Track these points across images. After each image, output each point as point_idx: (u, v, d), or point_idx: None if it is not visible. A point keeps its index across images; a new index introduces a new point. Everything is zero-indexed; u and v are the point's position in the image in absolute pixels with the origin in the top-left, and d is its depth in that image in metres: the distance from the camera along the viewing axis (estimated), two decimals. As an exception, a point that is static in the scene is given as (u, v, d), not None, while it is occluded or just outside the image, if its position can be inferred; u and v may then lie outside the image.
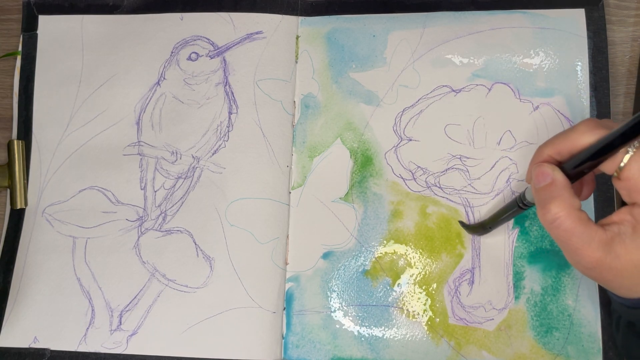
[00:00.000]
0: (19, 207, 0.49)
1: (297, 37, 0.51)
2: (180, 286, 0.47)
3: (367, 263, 0.47)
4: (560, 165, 0.35)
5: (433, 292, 0.46)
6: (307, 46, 0.51)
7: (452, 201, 0.47)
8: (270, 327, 0.46)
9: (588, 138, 0.34)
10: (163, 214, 0.48)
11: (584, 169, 0.34)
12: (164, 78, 0.51)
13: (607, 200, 0.45)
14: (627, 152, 0.32)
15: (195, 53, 0.51)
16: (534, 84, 0.48)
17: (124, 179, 0.49)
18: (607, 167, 0.33)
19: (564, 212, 0.33)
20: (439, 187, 0.47)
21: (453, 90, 0.48)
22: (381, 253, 0.47)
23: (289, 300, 0.47)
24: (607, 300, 0.44)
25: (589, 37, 0.48)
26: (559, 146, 0.35)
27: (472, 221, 0.46)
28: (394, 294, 0.46)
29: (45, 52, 0.52)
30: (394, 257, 0.47)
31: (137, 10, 0.52)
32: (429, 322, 0.45)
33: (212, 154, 0.49)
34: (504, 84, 0.48)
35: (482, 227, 0.44)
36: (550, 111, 0.47)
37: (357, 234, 0.47)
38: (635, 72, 0.48)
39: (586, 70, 0.47)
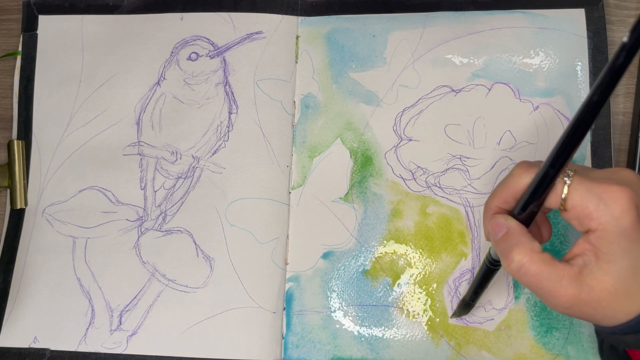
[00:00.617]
0: (19, 207, 0.49)
1: (297, 37, 0.51)
2: (180, 286, 0.47)
3: (367, 263, 0.47)
4: (511, 213, 0.35)
5: (433, 292, 0.46)
6: (307, 46, 0.51)
7: (452, 201, 0.47)
8: (270, 327, 0.46)
9: (525, 179, 0.34)
10: (163, 214, 0.48)
11: (531, 209, 0.34)
12: (164, 78, 0.51)
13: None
14: (565, 182, 0.32)
15: (195, 53, 0.51)
16: (534, 84, 0.48)
17: (124, 179, 0.49)
18: (552, 202, 0.33)
19: (527, 258, 0.33)
20: (439, 187, 0.47)
21: (453, 90, 0.48)
22: (381, 253, 0.47)
23: (289, 300, 0.47)
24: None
25: (589, 37, 0.48)
26: (503, 195, 0.35)
27: (471, 222, 0.46)
28: (394, 294, 0.46)
29: (45, 52, 0.52)
30: (394, 257, 0.47)
31: (137, 10, 0.52)
32: (429, 322, 0.45)
33: (212, 154, 0.49)
34: (504, 84, 0.48)
35: (465, 305, 0.43)
36: (550, 111, 0.47)
37: (357, 234, 0.47)
38: (635, 72, 0.48)
39: (586, 70, 0.47)
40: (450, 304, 0.45)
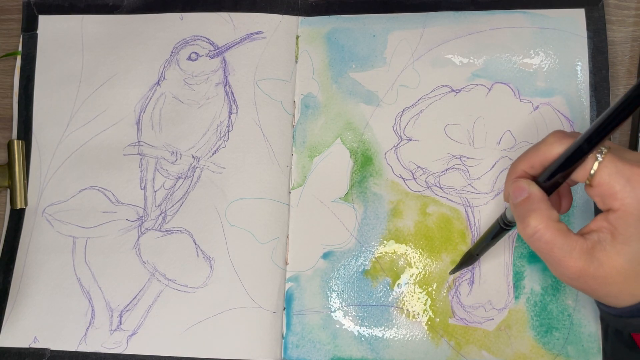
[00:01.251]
0: (19, 207, 0.49)
1: (297, 37, 0.51)
2: (180, 286, 0.47)
3: (367, 263, 0.47)
4: (535, 179, 0.35)
5: (433, 292, 0.46)
6: (307, 46, 0.51)
7: (452, 201, 0.47)
8: (270, 327, 0.46)
9: (557, 149, 0.34)
10: (163, 214, 0.48)
11: (557, 180, 0.34)
12: (164, 78, 0.51)
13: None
14: (596, 158, 0.32)
15: (195, 53, 0.51)
16: (534, 84, 0.48)
17: (124, 179, 0.49)
18: (579, 175, 0.33)
19: (543, 225, 0.33)
20: (439, 187, 0.47)
21: (453, 90, 0.48)
22: (381, 253, 0.47)
23: (289, 300, 0.47)
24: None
25: (589, 37, 0.48)
26: (531, 160, 0.35)
27: (471, 222, 0.46)
28: (394, 293, 0.46)
29: (45, 52, 0.52)
30: (394, 257, 0.47)
31: (137, 10, 0.52)
32: (429, 322, 0.45)
33: (212, 154, 0.49)
34: (504, 84, 0.48)
35: (469, 257, 0.44)
36: (550, 111, 0.47)
37: (357, 234, 0.47)
38: (635, 72, 0.48)
39: (586, 70, 0.47)
40: (451, 304, 0.45)
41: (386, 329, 0.46)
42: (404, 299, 0.46)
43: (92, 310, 0.47)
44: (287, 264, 0.47)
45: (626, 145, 0.47)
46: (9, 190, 0.50)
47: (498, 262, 0.46)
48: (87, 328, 0.47)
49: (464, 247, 0.46)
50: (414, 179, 0.48)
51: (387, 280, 0.46)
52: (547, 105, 0.47)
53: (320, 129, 0.49)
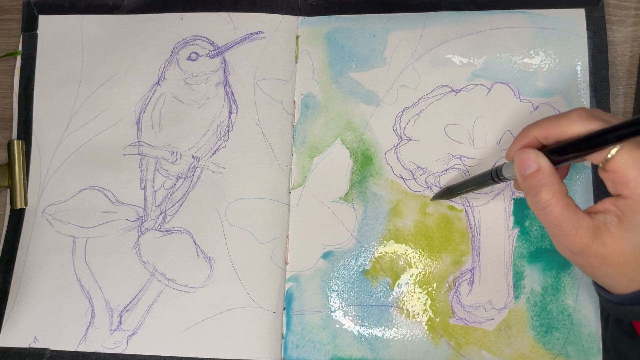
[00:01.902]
0: (19, 207, 0.49)
1: (297, 37, 0.51)
2: (180, 286, 0.47)
3: (367, 263, 0.47)
4: (544, 149, 0.35)
5: (433, 292, 0.46)
6: (307, 46, 0.51)
7: (452, 201, 0.47)
8: (270, 327, 0.46)
9: (579, 128, 0.34)
10: (163, 214, 0.48)
11: (569, 157, 0.34)
12: (164, 78, 0.51)
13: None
14: (615, 145, 0.33)
15: (195, 53, 0.51)
16: (534, 84, 0.48)
17: (124, 178, 0.49)
18: (594, 157, 0.34)
19: (554, 199, 0.34)
20: (439, 187, 0.47)
21: (453, 90, 0.48)
22: (381, 253, 0.47)
23: (289, 300, 0.47)
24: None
25: (589, 37, 0.48)
26: (547, 131, 0.35)
27: (471, 222, 0.46)
28: (394, 293, 0.46)
29: (45, 52, 0.52)
30: (394, 257, 0.47)
31: (137, 10, 0.52)
32: (429, 322, 0.45)
33: (212, 154, 0.49)
34: (504, 84, 0.48)
35: (449, 191, 0.45)
36: (550, 111, 0.47)
37: (357, 234, 0.47)
38: (635, 72, 0.48)
39: (586, 70, 0.47)
40: (451, 303, 0.45)
41: (386, 329, 0.46)
42: (404, 299, 0.46)
43: (92, 310, 0.47)
44: (287, 264, 0.47)
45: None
46: (9, 190, 0.50)
47: (498, 262, 0.46)
48: (87, 328, 0.47)
49: (464, 247, 0.46)
50: (414, 179, 0.48)
51: (387, 280, 0.46)
52: (547, 105, 0.47)
53: (320, 129, 0.49)
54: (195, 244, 0.48)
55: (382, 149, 0.48)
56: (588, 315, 0.44)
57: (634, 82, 0.48)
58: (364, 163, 0.48)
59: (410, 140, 0.48)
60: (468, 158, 0.47)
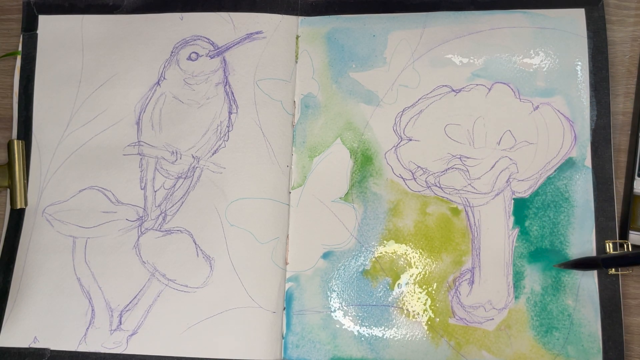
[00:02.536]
0: (19, 207, 0.49)
1: (297, 37, 0.51)
2: (180, 286, 0.47)
3: (367, 263, 0.47)
4: None
5: (433, 292, 0.46)
6: (307, 46, 0.51)
7: (452, 201, 0.47)
8: (270, 327, 0.46)
9: None
10: (163, 214, 0.48)
11: None
12: (164, 78, 0.51)
13: (608, 200, 0.45)
14: None
15: (195, 53, 0.51)
16: (534, 84, 0.48)
17: (124, 179, 0.49)
18: None
19: None
20: (439, 187, 0.47)
21: (453, 90, 0.48)
22: (381, 253, 0.47)
23: (289, 300, 0.47)
24: (607, 300, 0.44)
25: (589, 37, 0.48)
26: None
27: (471, 222, 0.46)
28: (394, 293, 0.46)
29: (45, 52, 0.52)
30: (394, 256, 0.47)
31: (137, 10, 0.52)
32: (429, 322, 0.45)
33: (212, 154, 0.49)
34: (504, 83, 0.48)
35: (592, 263, 0.43)
36: (550, 111, 0.47)
37: (357, 234, 0.47)
38: (635, 72, 0.48)
39: (586, 70, 0.47)
40: (451, 304, 0.45)
41: (386, 329, 0.46)
42: (404, 299, 0.46)
43: (92, 310, 0.47)
44: (287, 264, 0.47)
45: (626, 147, 0.47)
46: (9, 190, 0.50)
47: (498, 262, 0.46)
48: (87, 328, 0.47)
49: (464, 247, 0.46)
50: (414, 178, 0.48)
51: (387, 280, 0.46)
52: (547, 105, 0.47)
53: (320, 128, 0.49)
54: (195, 244, 0.48)
55: (382, 149, 0.48)
56: (588, 315, 0.44)
57: (634, 82, 0.48)
58: (364, 163, 0.48)
59: (410, 140, 0.48)
60: (468, 158, 0.47)
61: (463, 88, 0.48)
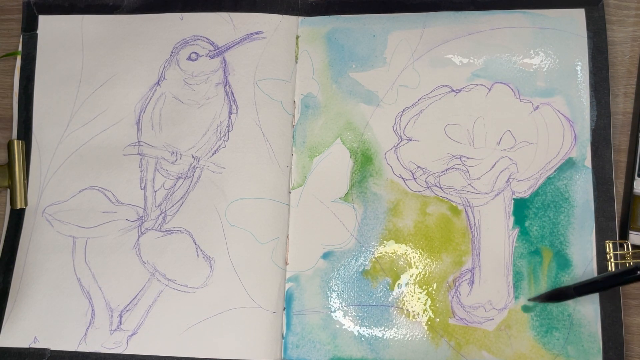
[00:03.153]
0: (19, 207, 0.49)
1: (297, 37, 0.51)
2: (180, 286, 0.47)
3: (367, 263, 0.47)
4: None
5: (433, 292, 0.46)
6: (307, 46, 0.51)
7: (452, 201, 0.47)
8: (270, 327, 0.46)
9: None
10: (163, 214, 0.48)
11: None
12: (164, 78, 0.51)
13: (608, 200, 0.45)
14: None
15: (195, 53, 0.51)
16: (534, 84, 0.48)
17: (124, 179, 0.49)
18: None
19: None
20: (439, 187, 0.47)
21: (453, 90, 0.48)
22: (381, 253, 0.47)
23: (289, 300, 0.47)
24: (607, 300, 0.44)
25: (589, 37, 0.48)
26: None
27: (471, 222, 0.46)
28: (394, 294, 0.46)
29: (45, 52, 0.52)
30: (394, 257, 0.47)
31: (137, 10, 0.52)
32: (429, 322, 0.45)
33: (212, 154, 0.49)
34: (504, 84, 0.48)
35: (564, 292, 0.43)
36: (550, 111, 0.47)
37: (357, 234, 0.47)
38: (635, 72, 0.48)
39: (586, 70, 0.47)
40: (451, 304, 0.45)
41: (386, 329, 0.46)
42: (404, 299, 0.46)
43: (92, 310, 0.47)
44: (287, 264, 0.47)
45: (626, 147, 0.47)
46: (9, 190, 0.50)
47: (498, 262, 0.46)
48: (87, 328, 0.47)
49: (464, 247, 0.46)
50: (414, 179, 0.48)
51: (387, 280, 0.46)
52: (547, 105, 0.47)
53: (320, 129, 0.49)
54: (195, 244, 0.48)
55: (382, 149, 0.48)
56: (588, 315, 0.44)
57: (634, 82, 0.48)
58: (364, 163, 0.48)
59: (410, 140, 0.48)
60: (468, 158, 0.47)
61: (463, 88, 0.48)
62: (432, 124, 0.48)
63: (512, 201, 0.46)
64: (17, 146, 0.50)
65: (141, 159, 0.50)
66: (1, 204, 0.51)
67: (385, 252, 0.47)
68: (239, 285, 0.46)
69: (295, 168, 0.49)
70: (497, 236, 0.46)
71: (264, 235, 0.47)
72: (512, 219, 0.46)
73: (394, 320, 0.46)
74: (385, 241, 0.47)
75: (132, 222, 0.48)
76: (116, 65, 0.51)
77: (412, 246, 0.47)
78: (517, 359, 0.44)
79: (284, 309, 0.47)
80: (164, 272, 0.47)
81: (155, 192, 0.49)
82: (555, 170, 0.46)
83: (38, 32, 0.53)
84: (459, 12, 0.49)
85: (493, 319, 0.45)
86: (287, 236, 0.48)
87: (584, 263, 0.45)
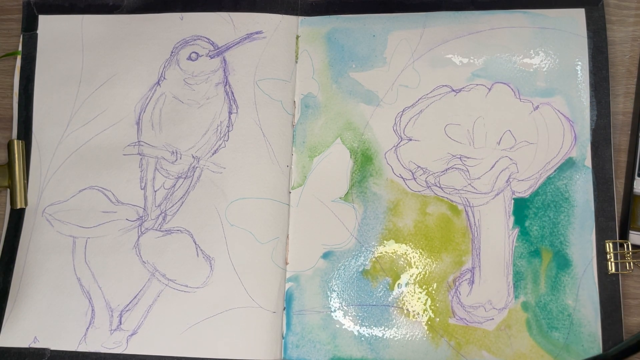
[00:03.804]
0: (19, 207, 0.49)
1: (297, 37, 0.51)
2: (180, 286, 0.47)
3: (367, 263, 0.47)
4: None
5: (433, 291, 0.46)
6: (307, 46, 0.51)
7: (452, 201, 0.47)
8: (270, 327, 0.46)
9: None
10: (163, 214, 0.48)
11: None
12: (164, 78, 0.51)
13: (608, 200, 0.45)
14: None
15: (195, 53, 0.51)
16: (534, 84, 0.48)
17: (124, 178, 0.49)
18: None
19: None
20: (439, 187, 0.47)
21: (453, 90, 0.48)
22: (381, 253, 0.47)
23: (289, 300, 0.47)
24: (607, 300, 0.44)
25: (589, 37, 0.48)
26: None
27: (471, 222, 0.46)
28: (394, 293, 0.46)
29: (45, 52, 0.52)
30: (394, 256, 0.47)
31: (137, 10, 0.52)
32: (429, 322, 0.45)
33: (212, 154, 0.49)
34: (504, 83, 0.48)
35: None
36: (550, 111, 0.47)
37: (357, 234, 0.47)
38: (635, 72, 0.48)
39: (586, 70, 0.47)
40: (451, 303, 0.45)
41: (386, 329, 0.46)
42: (404, 298, 0.46)
43: (92, 310, 0.47)
44: (287, 263, 0.47)
45: (626, 147, 0.47)
46: (9, 190, 0.50)
47: (498, 262, 0.46)
48: (87, 328, 0.47)
49: (464, 247, 0.46)
50: (414, 178, 0.48)
51: (387, 280, 0.46)
52: (547, 105, 0.47)
53: (320, 128, 0.49)
54: (195, 243, 0.48)
55: (382, 148, 0.48)
56: (588, 315, 0.44)
57: (634, 82, 0.48)
58: (364, 163, 0.48)
59: (410, 140, 0.48)
60: (468, 158, 0.47)
61: (463, 88, 0.48)
62: (432, 124, 0.48)
63: (512, 201, 0.46)
64: (17, 146, 0.50)
65: (141, 158, 0.50)
66: (1, 204, 0.51)
67: (385, 251, 0.47)
68: (239, 285, 0.46)
69: (295, 168, 0.49)
70: (497, 236, 0.46)
71: (264, 235, 0.47)
72: (512, 218, 0.46)
73: (394, 320, 0.46)
74: (385, 241, 0.47)
75: (132, 222, 0.48)
76: (116, 65, 0.51)
77: (412, 246, 0.47)
78: (517, 358, 0.44)
79: (284, 309, 0.47)
80: (164, 272, 0.47)
81: (155, 192, 0.49)
82: (555, 170, 0.46)
83: (38, 32, 0.53)
84: (459, 12, 0.49)
85: (493, 319, 0.45)
86: (287, 236, 0.48)
87: (584, 263, 0.45)
